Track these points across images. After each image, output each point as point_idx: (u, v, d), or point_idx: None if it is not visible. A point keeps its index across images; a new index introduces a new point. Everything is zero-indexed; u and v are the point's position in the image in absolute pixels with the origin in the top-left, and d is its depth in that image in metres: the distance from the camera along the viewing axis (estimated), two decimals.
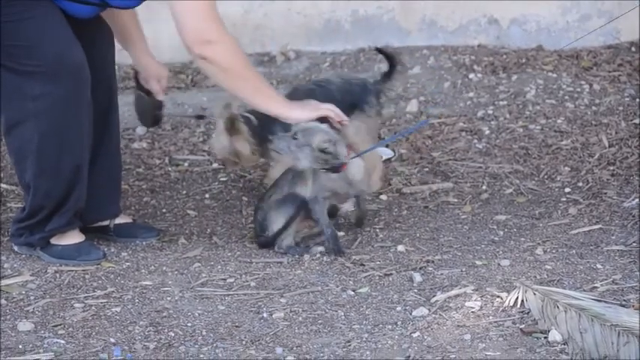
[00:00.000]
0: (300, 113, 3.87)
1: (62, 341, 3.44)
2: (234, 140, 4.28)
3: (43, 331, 3.51)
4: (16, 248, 4.01)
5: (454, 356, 3.29)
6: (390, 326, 3.49)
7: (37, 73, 3.73)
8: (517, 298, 3.55)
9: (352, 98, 4.30)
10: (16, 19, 3.71)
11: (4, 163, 4.65)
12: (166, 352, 3.38)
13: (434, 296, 3.64)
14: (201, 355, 3.36)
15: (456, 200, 4.44)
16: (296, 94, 4.25)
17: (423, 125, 4.78)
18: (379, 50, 4.54)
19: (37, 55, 3.73)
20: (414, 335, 3.42)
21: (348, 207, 4.10)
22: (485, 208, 4.36)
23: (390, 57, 4.47)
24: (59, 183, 3.87)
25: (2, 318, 3.59)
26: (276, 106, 3.86)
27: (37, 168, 3.84)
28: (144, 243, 4.11)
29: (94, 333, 3.49)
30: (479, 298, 3.60)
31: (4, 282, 3.82)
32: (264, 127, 4.21)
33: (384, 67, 5.63)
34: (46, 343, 3.44)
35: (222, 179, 4.58)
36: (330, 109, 3.92)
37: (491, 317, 3.49)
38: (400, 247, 4.02)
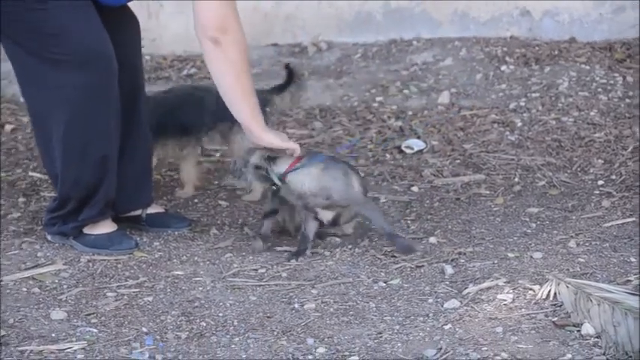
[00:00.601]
0: (271, 137, 3.86)
1: (95, 330, 3.46)
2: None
3: (75, 320, 3.52)
4: (49, 237, 4.03)
5: (486, 349, 3.28)
6: (421, 318, 3.48)
7: (64, 62, 3.74)
8: (550, 290, 3.54)
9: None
10: (45, 8, 3.72)
11: (37, 153, 4.67)
12: (198, 342, 3.38)
13: (466, 288, 3.63)
14: (233, 346, 3.37)
15: (488, 192, 4.42)
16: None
17: (352, 145, 4.71)
18: (286, 66, 4.51)
19: (65, 44, 3.74)
20: (446, 327, 3.42)
21: (325, 216, 4.03)
22: (518, 201, 4.34)
23: (291, 74, 4.45)
24: (86, 173, 3.88)
25: (35, 306, 3.61)
26: (254, 121, 3.84)
27: (64, 158, 3.85)
28: (176, 233, 4.12)
29: (126, 322, 3.51)
30: (511, 291, 3.58)
31: (38, 271, 3.84)
32: None
33: (415, 58, 5.64)
34: (79, 331, 3.46)
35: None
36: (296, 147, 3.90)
37: (523, 310, 3.48)
38: (432, 239, 4.01)
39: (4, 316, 3.55)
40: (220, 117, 4.22)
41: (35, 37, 3.74)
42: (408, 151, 4.79)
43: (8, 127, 5.19)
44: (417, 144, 4.81)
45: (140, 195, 4.13)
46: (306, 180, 3.88)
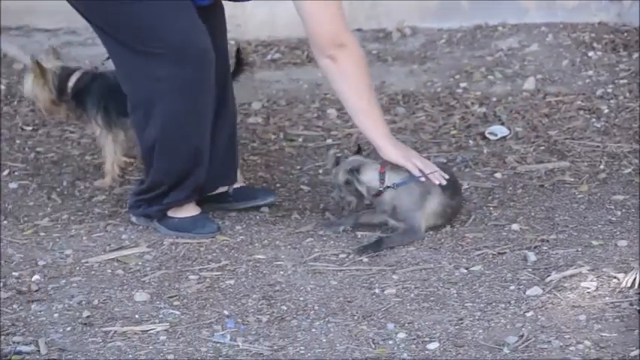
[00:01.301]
0: (395, 154, 3.83)
1: (177, 312, 3.50)
2: (37, 85, 4.32)
3: (158, 302, 3.56)
4: (133, 219, 4.08)
5: (568, 336, 3.25)
6: (503, 305, 3.45)
7: (161, 55, 3.75)
8: (635, 279, 3.49)
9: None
10: (141, 0, 3.74)
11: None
12: (279, 326, 3.40)
13: (548, 276, 3.59)
14: (313, 330, 3.38)
15: (572, 179, 4.37)
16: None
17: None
18: (238, 50, 4.39)
19: (162, 38, 3.75)
20: (528, 315, 3.39)
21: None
22: (603, 188, 4.28)
23: (240, 60, 4.35)
24: (179, 163, 3.91)
25: (119, 288, 3.66)
26: (380, 138, 3.84)
27: (160, 148, 3.88)
28: (257, 217, 4.13)
29: (208, 305, 3.54)
30: (595, 279, 3.54)
31: (122, 253, 3.89)
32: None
33: (500, 44, 5.59)
34: (162, 313, 3.50)
35: (337, 155, 4.57)
36: (423, 166, 3.85)
37: (607, 298, 3.44)
38: (514, 226, 3.97)
39: (89, 297, 3.60)
40: None
41: (131, 30, 3.77)
42: (491, 137, 4.75)
43: None
44: (500, 130, 4.77)
45: (227, 171, 4.16)
46: (405, 196, 3.86)
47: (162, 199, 3.99)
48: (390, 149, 3.85)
